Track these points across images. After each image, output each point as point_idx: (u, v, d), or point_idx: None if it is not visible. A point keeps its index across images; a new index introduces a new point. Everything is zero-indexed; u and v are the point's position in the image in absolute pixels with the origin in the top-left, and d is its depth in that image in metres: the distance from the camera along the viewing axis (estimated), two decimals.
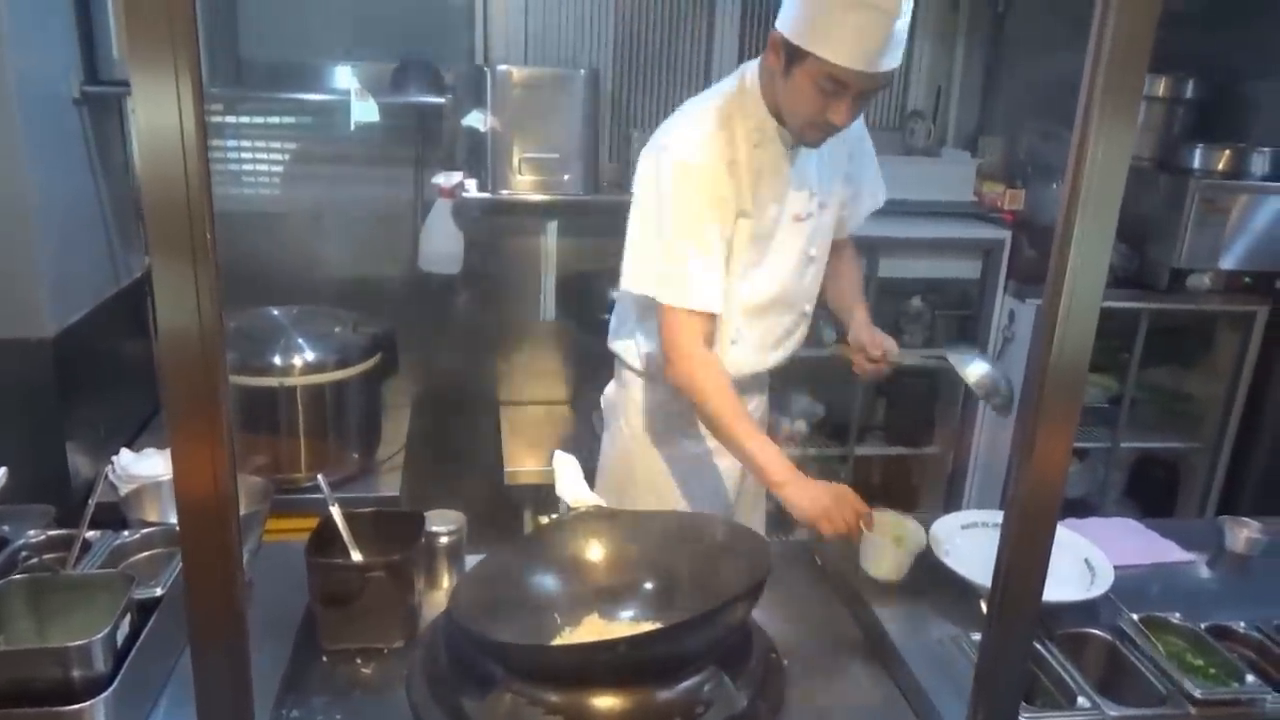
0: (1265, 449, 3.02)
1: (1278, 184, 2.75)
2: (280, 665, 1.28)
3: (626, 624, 1.37)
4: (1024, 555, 0.96)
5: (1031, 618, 1.00)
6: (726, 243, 1.69)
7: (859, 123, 1.82)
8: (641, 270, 1.71)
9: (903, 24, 1.51)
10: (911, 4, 1.52)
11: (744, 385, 1.84)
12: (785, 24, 1.57)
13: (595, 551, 1.45)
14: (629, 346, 1.90)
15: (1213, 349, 3.10)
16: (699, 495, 1.91)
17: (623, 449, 1.95)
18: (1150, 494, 3.28)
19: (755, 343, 1.83)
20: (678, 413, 1.85)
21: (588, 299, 2.83)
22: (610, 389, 2.00)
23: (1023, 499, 0.94)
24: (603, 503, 1.51)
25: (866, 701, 1.34)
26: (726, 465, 1.91)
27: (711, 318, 1.69)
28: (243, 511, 1.48)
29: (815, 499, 1.56)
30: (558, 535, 1.46)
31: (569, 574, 1.42)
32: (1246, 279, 2.85)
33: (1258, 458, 3.04)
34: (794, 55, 1.56)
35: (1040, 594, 0.99)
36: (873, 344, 1.80)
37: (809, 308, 1.91)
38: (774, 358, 1.89)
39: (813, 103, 1.58)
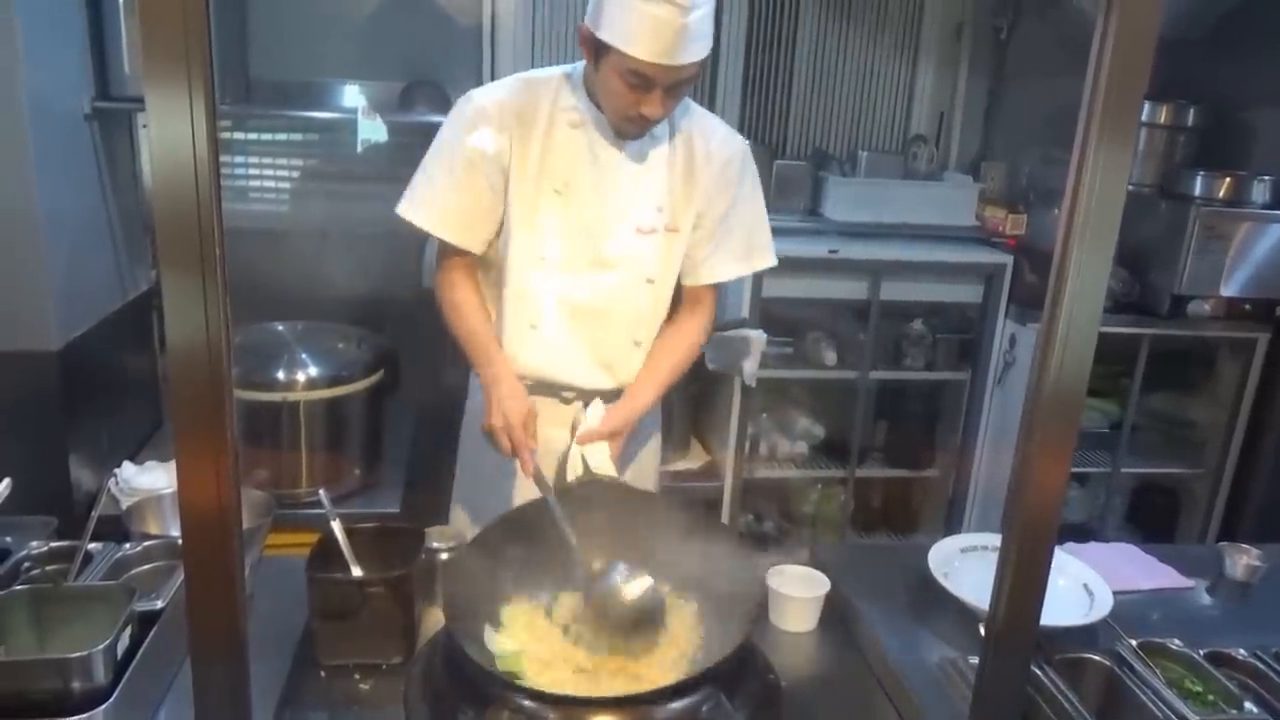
0: (1266, 475, 3.02)
1: (1278, 212, 2.76)
2: (279, 679, 1.28)
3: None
4: (1022, 579, 0.96)
5: (1029, 643, 1.00)
6: (492, 190, 1.70)
7: (744, 171, 1.78)
8: (407, 195, 1.75)
9: (699, 15, 1.52)
10: None
11: (549, 389, 1.79)
12: (590, 17, 1.59)
13: (598, 523, 1.45)
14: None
15: (1214, 375, 3.11)
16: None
17: (466, 433, 1.95)
18: (1151, 519, 3.28)
19: (564, 346, 1.75)
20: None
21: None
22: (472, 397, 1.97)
23: (1020, 523, 0.94)
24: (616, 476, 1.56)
25: None
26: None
27: (458, 251, 1.75)
28: (244, 525, 1.49)
29: (494, 409, 1.65)
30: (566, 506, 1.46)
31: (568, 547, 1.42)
32: (1247, 306, 2.86)
33: (1258, 484, 3.04)
34: (599, 48, 1.58)
35: (1037, 619, 0.99)
36: (599, 435, 1.68)
37: (642, 337, 1.79)
38: (598, 378, 1.78)
39: (622, 95, 1.59)
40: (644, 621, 1.33)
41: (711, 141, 1.75)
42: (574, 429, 1.72)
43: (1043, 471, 0.92)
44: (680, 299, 1.85)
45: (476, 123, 1.68)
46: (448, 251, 1.77)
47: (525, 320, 1.75)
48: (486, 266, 1.80)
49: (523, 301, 1.74)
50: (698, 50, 1.54)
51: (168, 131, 0.75)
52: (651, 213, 1.73)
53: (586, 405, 1.76)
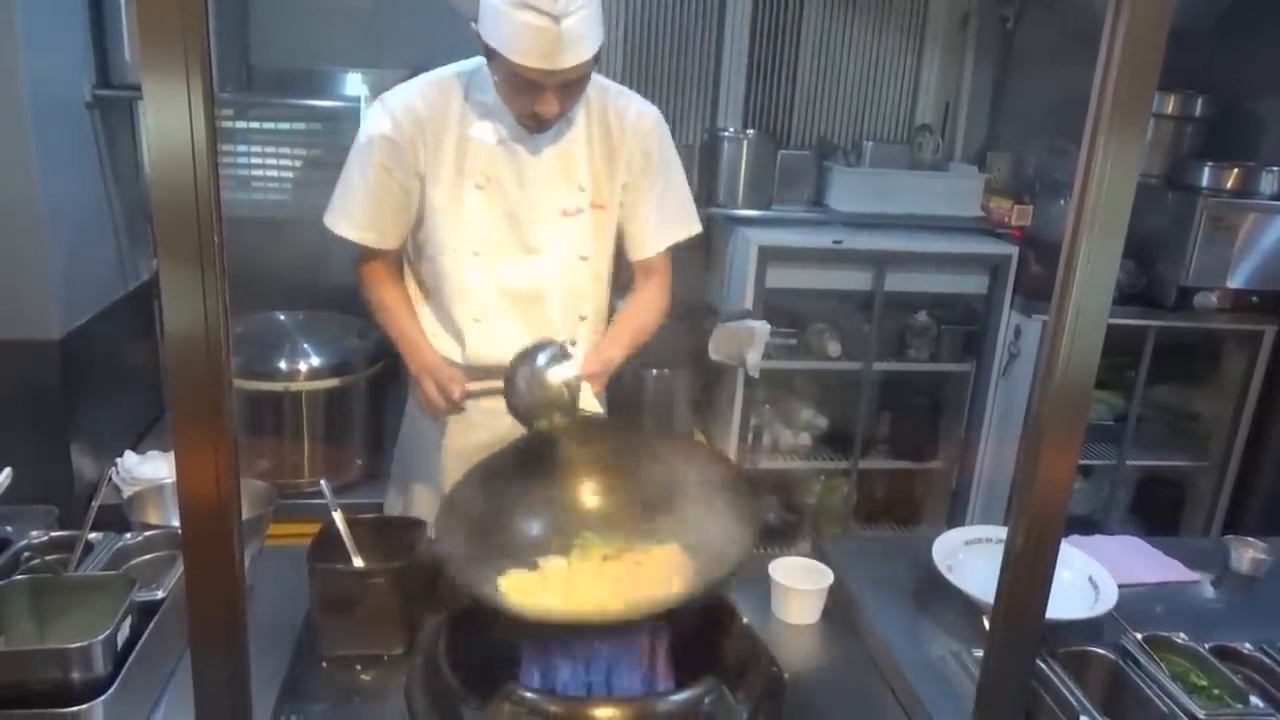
0: (1271, 468, 3.01)
1: None
2: (280, 670, 1.28)
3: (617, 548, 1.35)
4: (1027, 572, 0.95)
5: (1034, 636, 0.99)
6: (406, 192, 1.72)
7: (663, 141, 1.81)
8: (330, 207, 1.77)
9: (577, 19, 1.51)
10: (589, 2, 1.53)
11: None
12: (478, 19, 1.58)
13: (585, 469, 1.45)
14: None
15: (1220, 368, 3.09)
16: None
17: (415, 429, 1.94)
18: (1155, 512, 3.27)
19: (511, 332, 1.73)
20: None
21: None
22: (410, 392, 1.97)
23: (1027, 515, 0.93)
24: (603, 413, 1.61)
25: (867, 716, 1.33)
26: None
27: (377, 252, 1.78)
28: (245, 516, 1.48)
29: (420, 370, 1.73)
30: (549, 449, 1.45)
31: (557, 495, 1.42)
32: (1254, 298, 2.85)
33: (1264, 477, 3.03)
34: (488, 51, 1.58)
35: (1043, 612, 0.98)
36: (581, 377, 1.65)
37: (587, 311, 1.83)
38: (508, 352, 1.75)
39: (515, 95, 1.60)
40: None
41: (627, 116, 1.77)
42: None
43: (1050, 465, 0.91)
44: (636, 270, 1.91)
45: (386, 130, 1.69)
46: (367, 254, 1.80)
47: (469, 314, 1.77)
48: (413, 256, 1.83)
49: (463, 296, 1.76)
50: (579, 52, 1.54)
51: (165, 120, 0.74)
52: (574, 194, 1.75)
53: None
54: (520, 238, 1.75)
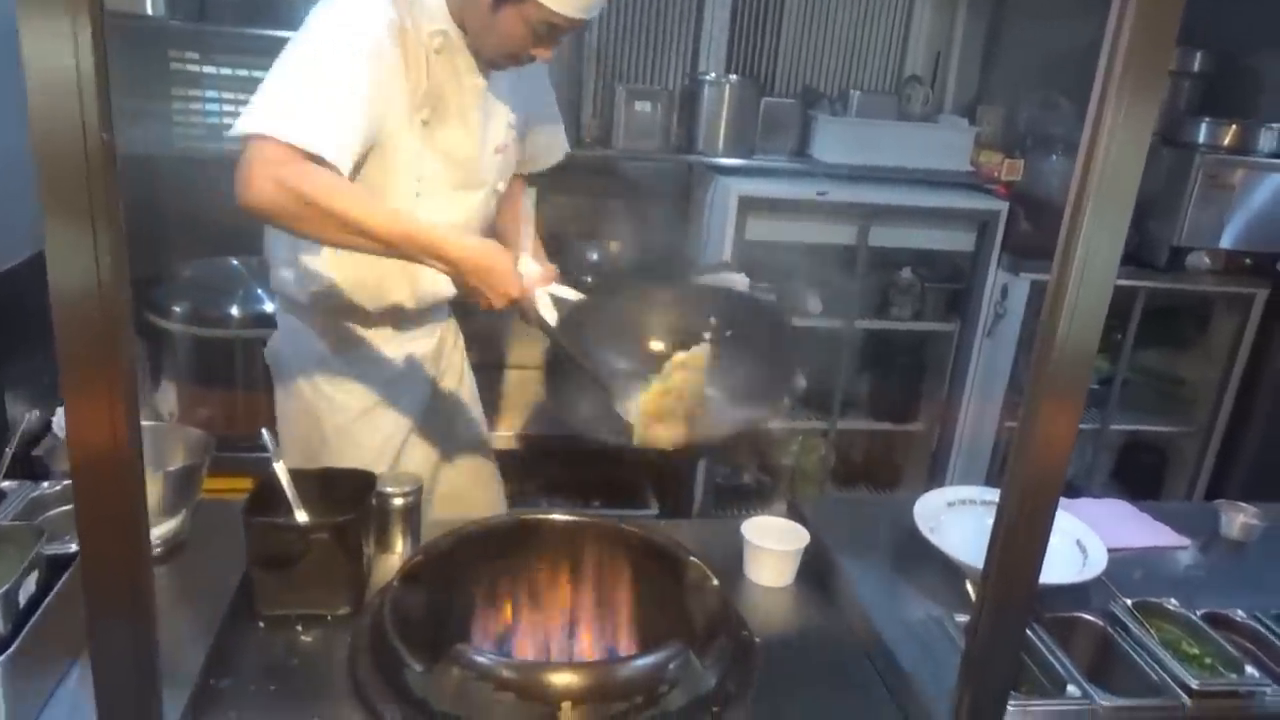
0: (1256, 435, 2.96)
1: None
2: (213, 629, 1.18)
3: None
4: (1021, 539, 0.90)
5: (1026, 604, 0.93)
6: (371, 125, 1.47)
7: (546, 68, 1.80)
8: (250, 108, 1.39)
9: None
10: None
11: (431, 313, 1.82)
12: None
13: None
14: (288, 278, 1.70)
15: (1208, 332, 3.04)
16: (395, 440, 1.81)
17: (306, 407, 1.77)
18: (1137, 477, 3.23)
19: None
20: (362, 346, 1.74)
21: (569, 258, 2.73)
22: (276, 339, 1.81)
23: (1022, 480, 0.86)
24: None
25: (843, 682, 1.25)
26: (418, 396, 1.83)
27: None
28: (179, 464, 1.39)
29: (473, 255, 1.42)
30: None
31: None
32: (1247, 260, 2.78)
33: (1248, 443, 2.99)
34: None
35: (1037, 580, 0.92)
36: (547, 274, 1.62)
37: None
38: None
39: (521, 41, 1.53)
40: None
41: None
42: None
43: (1050, 429, 0.86)
44: None
45: (381, 42, 1.47)
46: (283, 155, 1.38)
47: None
48: None
49: None
50: None
51: (44, 52, 0.62)
52: (505, 130, 1.72)
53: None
54: (460, 174, 1.67)
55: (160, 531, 1.32)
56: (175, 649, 1.16)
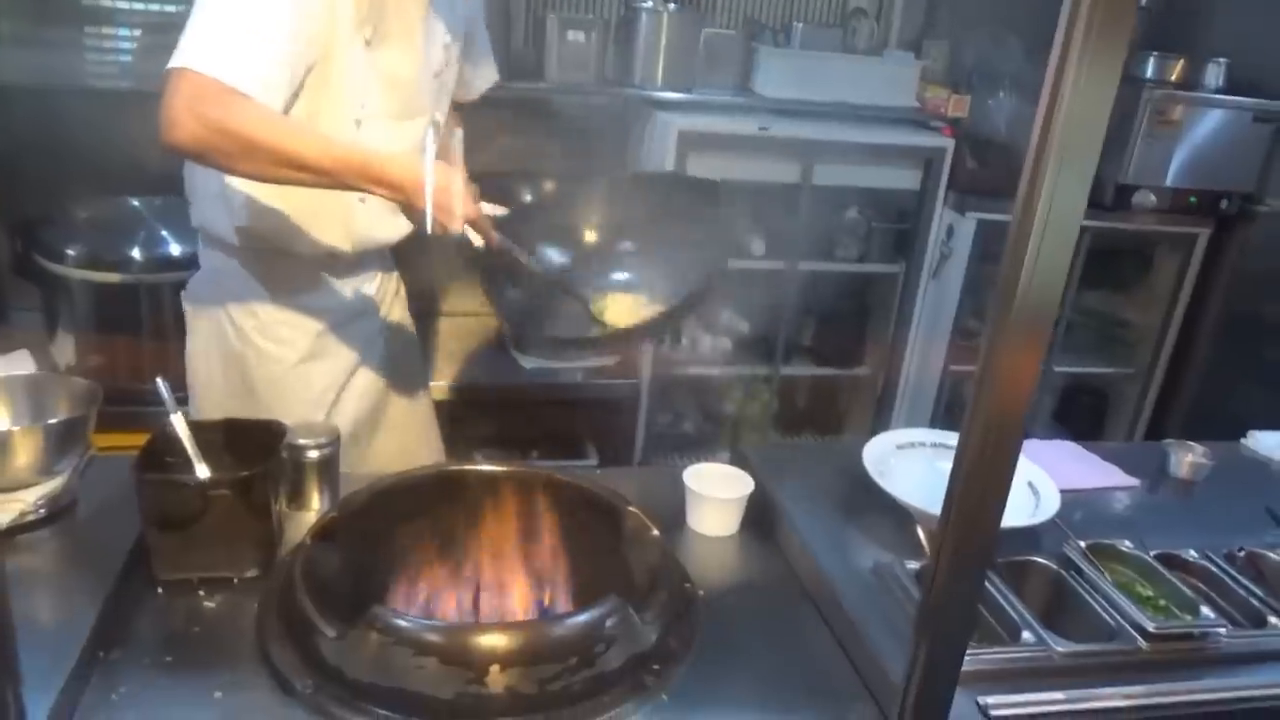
0: (1195, 376, 2.98)
1: (1231, 96, 2.63)
2: (103, 596, 1.07)
3: None
4: (982, 484, 0.84)
5: (987, 550, 0.86)
6: (306, 49, 1.35)
7: None
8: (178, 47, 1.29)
9: None
10: None
11: (370, 260, 1.71)
12: None
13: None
14: (217, 215, 1.57)
15: (1151, 273, 3.03)
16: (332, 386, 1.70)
17: (230, 356, 1.65)
18: (1078, 419, 3.24)
19: (386, 205, 1.44)
20: (297, 293, 1.62)
21: (507, 197, 2.59)
22: (197, 281, 1.67)
23: (983, 422, 0.80)
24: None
25: (790, 634, 1.19)
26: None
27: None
28: (63, 416, 1.26)
29: (421, 174, 1.29)
30: None
31: None
32: (1191, 198, 2.76)
33: (1187, 385, 3.01)
34: None
35: (998, 527, 0.86)
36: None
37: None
38: (399, 228, 1.60)
39: None
40: None
41: None
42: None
43: (1013, 371, 0.79)
44: None
45: None
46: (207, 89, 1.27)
47: (354, 195, 1.44)
48: None
49: None
50: None
51: None
52: (441, 52, 1.60)
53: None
54: (399, 101, 1.54)
55: (44, 491, 1.20)
56: (61, 620, 1.05)
